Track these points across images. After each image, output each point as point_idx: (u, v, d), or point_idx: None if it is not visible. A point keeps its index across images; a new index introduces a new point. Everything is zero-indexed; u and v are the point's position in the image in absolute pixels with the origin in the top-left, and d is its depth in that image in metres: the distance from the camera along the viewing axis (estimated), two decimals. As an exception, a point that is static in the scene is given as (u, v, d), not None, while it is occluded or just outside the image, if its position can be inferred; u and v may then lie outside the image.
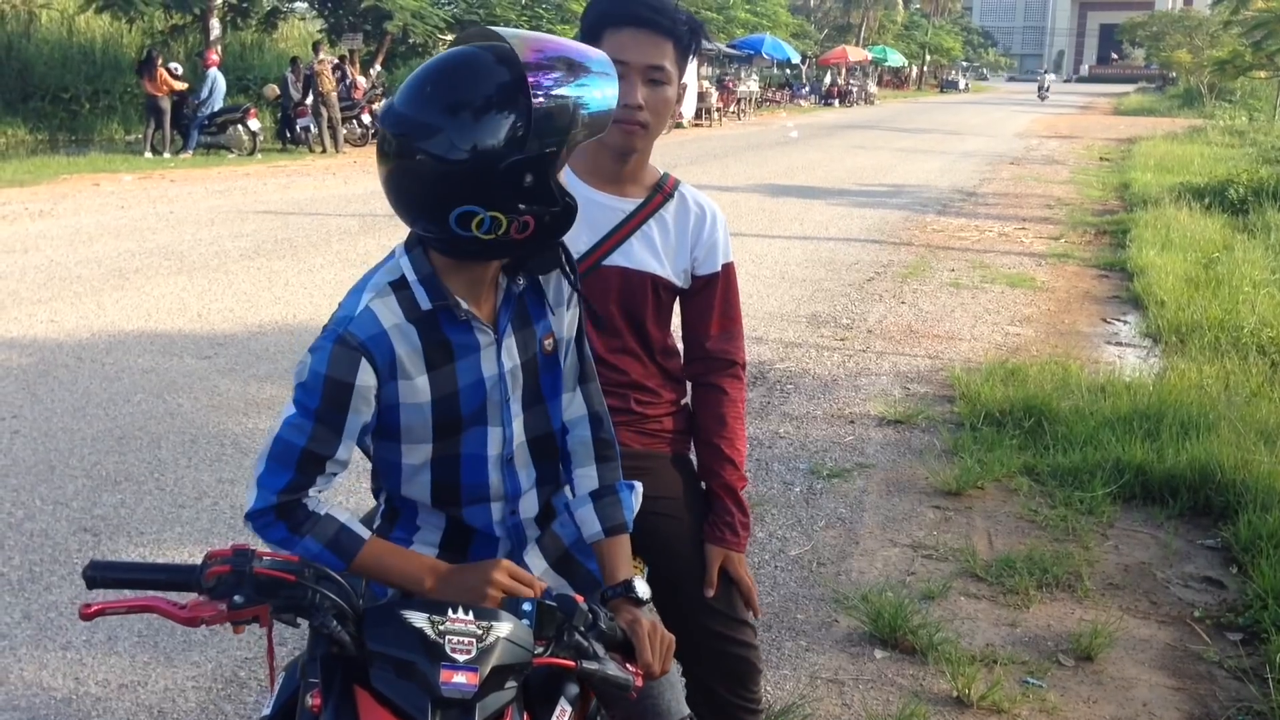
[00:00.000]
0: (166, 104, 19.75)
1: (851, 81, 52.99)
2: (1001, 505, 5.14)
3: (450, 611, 1.59)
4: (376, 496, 2.05)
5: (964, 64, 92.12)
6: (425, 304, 1.80)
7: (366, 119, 22.02)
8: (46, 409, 5.86)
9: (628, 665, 1.81)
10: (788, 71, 51.75)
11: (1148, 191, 16.04)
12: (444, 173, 1.66)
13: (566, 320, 2.00)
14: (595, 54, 1.78)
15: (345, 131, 21.50)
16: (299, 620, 1.59)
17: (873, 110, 46.55)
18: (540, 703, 1.77)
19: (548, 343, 1.96)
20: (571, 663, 1.69)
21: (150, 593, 1.59)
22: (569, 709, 1.75)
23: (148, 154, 19.58)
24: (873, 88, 55.04)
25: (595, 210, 2.40)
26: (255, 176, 16.93)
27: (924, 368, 7.48)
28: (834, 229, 13.44)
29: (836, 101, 49.50)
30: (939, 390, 6.93)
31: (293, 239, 11.25)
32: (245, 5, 24.55)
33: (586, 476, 2.02)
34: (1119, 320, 9.25)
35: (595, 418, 2.04)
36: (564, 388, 2.02)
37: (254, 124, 20.54)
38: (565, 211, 1.77)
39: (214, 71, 20.62)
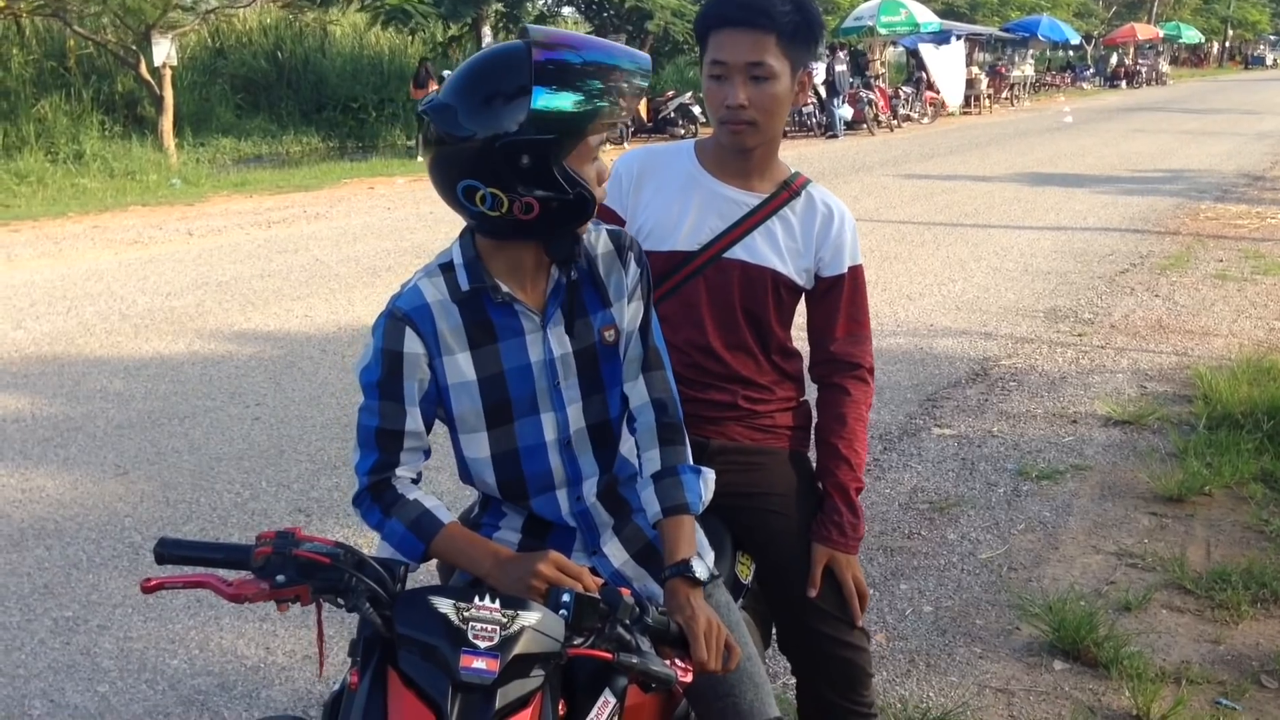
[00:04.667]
0: (433, 110, 20.94)
1: (1141, 61, 49.92)
2: (1228, 513, 4.77)
3: (476, 599, 1.63)
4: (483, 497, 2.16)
5: (1273, 38, 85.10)
6: (465, 284, 1.92)
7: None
8: (287, 397, 6.33)
9: (677, 661, 1.81)
10: (1069, 53, 49.35)
11: None
12: (452, 148, 1.79)
13: (629, 312, 2.04)
14: (627, 55, 1.84)
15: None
16: (339, 601, 1.67)
17: (1162, 91, 43.76)
18: (588, 694, 1.79)
19: (608, 334, 2.02)
20: (609, 655, 1.70)
21: (206, 570, 1.71)
22: (613, 700, 1.76)
23: (420, 158, 20.75)
24: (1165, 67, 51.69)
25: (720, 202, 2.41)
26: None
27: (1167, 365, 7.00)
28: (1093, 218, 12.75)
29: (1123, 83, 46.82)
30: (1180, 389, 6.48)
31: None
32: (515, 12, 25.52)
33: (650, 460, 2.06)
34: None
35: (659, 404, 2.07)
36: (626, 376, 2.06)
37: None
38: (578, 202, 1.83)
39: (484, 77, 21.56)
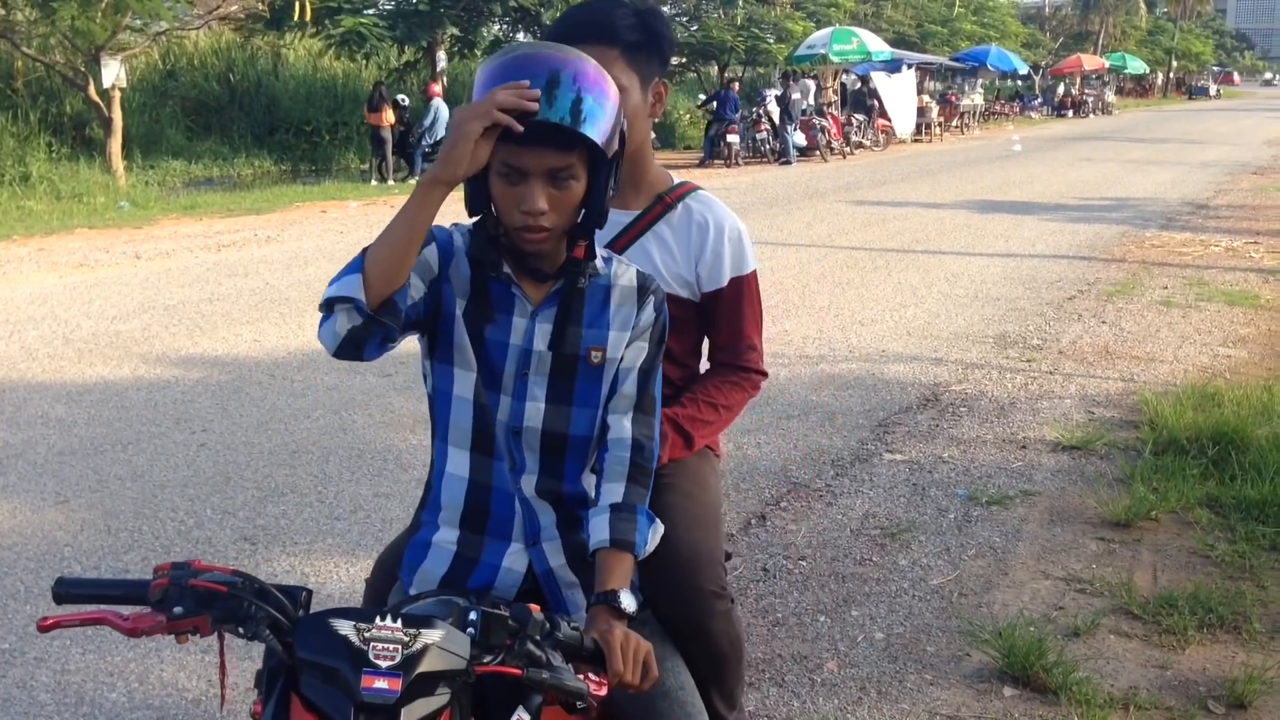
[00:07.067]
0: (388, 134, 21.04)
1: (1087, 91, 50.79)
2: (1174, 539, 4.81)
3: (378, 619, 1.61)
4: (426, 490, 2.15)
5: (1215, 69, 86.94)
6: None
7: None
8: (234, 423, 6.24)
9: (592, 676, 1.79)
10: (1018, 83, 50.10)
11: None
12: None
13: (631, 351, 2.06)
14: (524, 74, 1.83)
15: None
16: (239, 630, 1.63)
17: (1109, 120, 44.53)
18: (502, 713, 1.77)
19: (594, 354, 2.03)
20: (518, 670, 1.68)
21: (103, 606, 1.67)
22: (526, 718, 1.74)
23: (373, 181, 20.73)
24: (1110, 97, 52.64)
25: None
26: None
27: (1114, 391, 7.08)
28: (1041, 245, 12.91)
29: (1070, 112, 47.59)
30: (1126, 415, 6.55)
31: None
32: (470, 37, 25.52)
33: (612, 492, 2.04)
34: (1350, 341, 8.52)
35: (637, 445, 2.07)
36: (615, 409, 2.07)
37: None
38: (469, 186, 1.88)
39: (437, 101, 21.60)
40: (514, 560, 2.05)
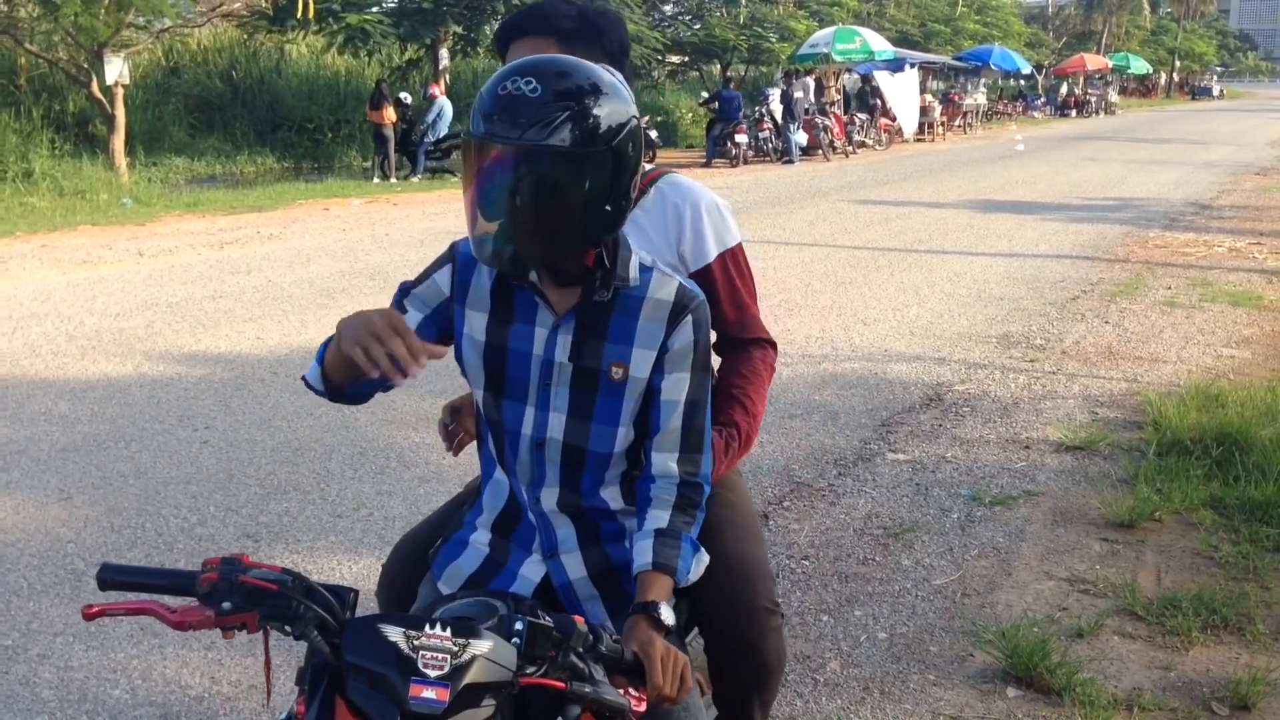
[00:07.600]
0: (390, 132, 21.03)
1: (1090, 91, 50.75)
2: (1178, 539, 4.80)
3: (427, 627, 1.60)
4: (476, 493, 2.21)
5: (1219, 69, 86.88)
6: None
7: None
8: (237, 420, 6.24)
9: (631, 690, 1.78)
10: (1021, 82, 50.07)
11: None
12: None
13: (666, 377, 2.02)
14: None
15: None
16: (286, 629, 1.63)
17: (1112, 120, 44.48)
18: None
19: (615, 370, 2.00)
20: (561, 684, 1.67)
21: (150, 596, 1.66)
22: None
23: (376, 179, 20.71)
24: (1114, 97, 52.59)
25: None
26: (473, 199, 17.52)
27: (1118, 391, 7.07)
28: (1044, 245, 12.90)
29: (1073, 112, 47.55)
30: (1130, 415, 6.54)
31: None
32: (472, 35, 25.47)
33: (658, 518, 2.02)
34: (1353, 342, 8.51)
35: (686, 482, 2.05)
36: (659, 446, 2.04)
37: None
38: None
39: (441, 100, 21.58)
40: (530, 570, 2.07)
